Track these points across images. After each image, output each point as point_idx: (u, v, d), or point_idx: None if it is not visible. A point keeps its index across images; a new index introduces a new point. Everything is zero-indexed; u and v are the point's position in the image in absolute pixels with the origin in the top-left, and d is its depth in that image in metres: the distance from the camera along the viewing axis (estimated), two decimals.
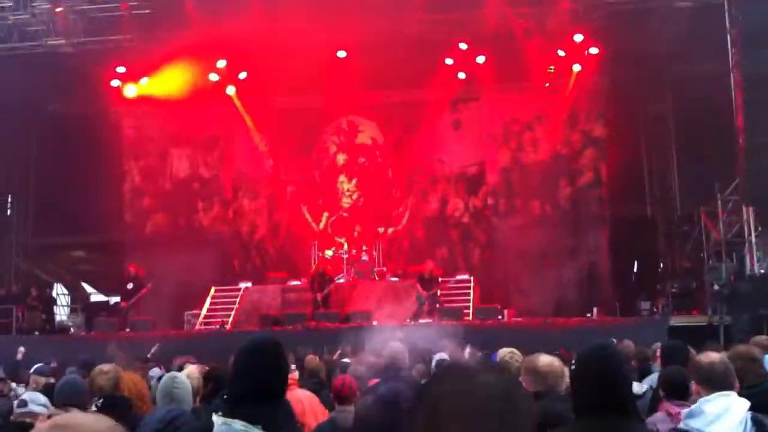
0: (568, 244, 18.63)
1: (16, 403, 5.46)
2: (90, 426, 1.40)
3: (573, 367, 3.19)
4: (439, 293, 16.61)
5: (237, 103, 19.94)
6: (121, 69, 19.21)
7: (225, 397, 3.50)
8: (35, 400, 5.42)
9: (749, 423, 3.77)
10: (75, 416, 1.47)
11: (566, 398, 3.66)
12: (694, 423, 3.80)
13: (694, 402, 3.89)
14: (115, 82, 19.39)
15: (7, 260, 20.08)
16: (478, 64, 18.69)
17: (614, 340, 8.76)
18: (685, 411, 3.93)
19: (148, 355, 9.90)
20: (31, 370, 8.09)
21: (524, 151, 19.77)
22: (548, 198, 19.37)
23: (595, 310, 16.05)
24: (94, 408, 5.07)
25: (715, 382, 3.95)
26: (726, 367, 4.05)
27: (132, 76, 19.45)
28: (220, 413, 3.27)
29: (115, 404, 5.00)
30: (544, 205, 19.34)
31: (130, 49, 18.56)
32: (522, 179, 19.62)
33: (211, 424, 3.16)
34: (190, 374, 5.99)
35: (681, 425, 3.84)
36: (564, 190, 19.40)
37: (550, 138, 19.58)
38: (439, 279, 16.83)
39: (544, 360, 4.35)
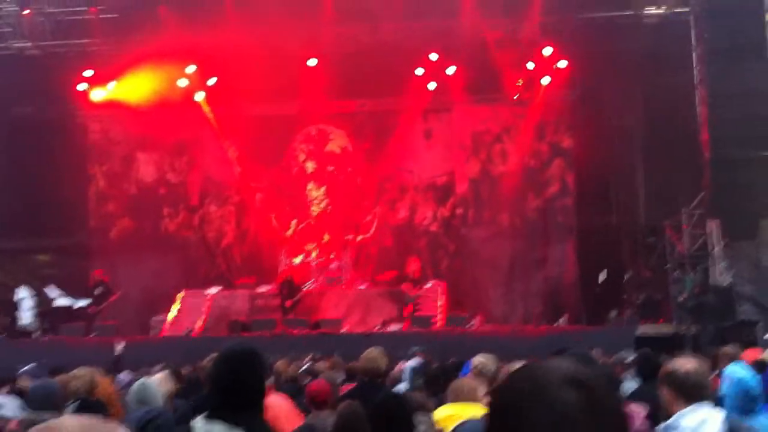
0: (536, 253, 18.79)
1: None
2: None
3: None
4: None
5: (206, 109, 19.79)
6: (88, 73, 18.97)
7: (204, 401, 3.50)
8: (7, 405, 5.35)
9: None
10: (73, 418, 1.40)
11: None
12: None
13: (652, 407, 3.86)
14: (81, 86, 19.13)
15: None
16: (450, 75, 18.80)
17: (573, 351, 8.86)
18: (661, 426, 3.90)
19: (116, 353, 9.78)
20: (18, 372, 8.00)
21: (493, 162, 19.91)
22: (516, 209, 19.50)
23: (562, 318, 16.22)
24: (68, 411, 5.03)
25: (691, 392, 3.87)
26: (702, 377, 3.97)
27: (99, 80, 19.20)
28: (202, 415, 3.28)
29: (90, 408, 4.96)
30: (513, 216, 19.46)
31: (98, 53, 18.39)
32: (491, 190, 19.74)
33: (188, 427, 3.17)
34: (160, 380, 5.97)
35: None
36: (532, 201, 19.57)
37: (519, 150, 19.73)
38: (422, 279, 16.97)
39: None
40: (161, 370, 7.26)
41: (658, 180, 17.82)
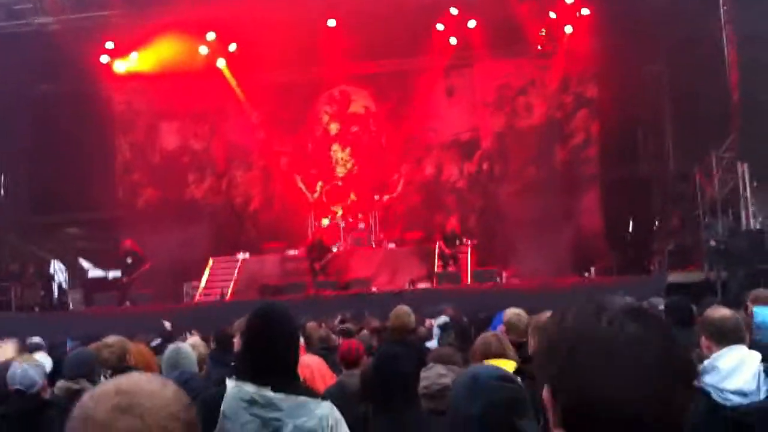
0: (563, 205, 18.65)
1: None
2: (157, 392, 1.34)
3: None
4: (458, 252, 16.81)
5: (227, 75, 19.81)
6: (109, 45, 19.06)
7: (236, 363, 3.53)
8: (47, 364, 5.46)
9: (762, 376, 3.74)
10: (139, 380, 1.37)
11: None
12: (708, 379, 3.73)
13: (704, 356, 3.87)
14: (104, 58, 19.25)
15: (3, 238, 20.05)
16: (470, 29, 18.58)
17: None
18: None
19: (167, 329, 9.86)
20: (37, 342, 8.14)
21: (518, 116, 19.76)
22: (543, 162, 19.37)
23: (592, 269, 16.14)
24: (102, 379, 5.10)
25: (727, 336, 3.91)
26: (737, 321, 4.01)
27: (121, 52, 19.33)
28: (235, 376, 3.31)
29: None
30: (539, 168, 19.35)
31: (119, 24, 18.38)
32: (516, 144, 19.62)
33: (223, 387, 3.20)
34: (194, 344, 6.04)
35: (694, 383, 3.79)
36: (558, 153, 19.42)
37: (543, 102, 19.57)
38: (461, 237, 16.99)
39: None
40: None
41: (686, 126, 17.55)
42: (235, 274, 17.97)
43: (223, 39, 19.20)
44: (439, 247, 17.04)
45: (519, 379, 2.95)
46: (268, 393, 3.13)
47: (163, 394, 1.33)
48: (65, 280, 17.89)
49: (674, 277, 14.30)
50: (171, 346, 5.06)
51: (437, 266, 17.03)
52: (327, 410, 3.19)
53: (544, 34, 18.71)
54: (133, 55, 19.33)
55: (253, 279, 17.81)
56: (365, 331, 8.31)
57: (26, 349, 8.16)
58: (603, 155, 18.88)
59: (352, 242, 18.45)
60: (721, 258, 14.23)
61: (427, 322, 9.00)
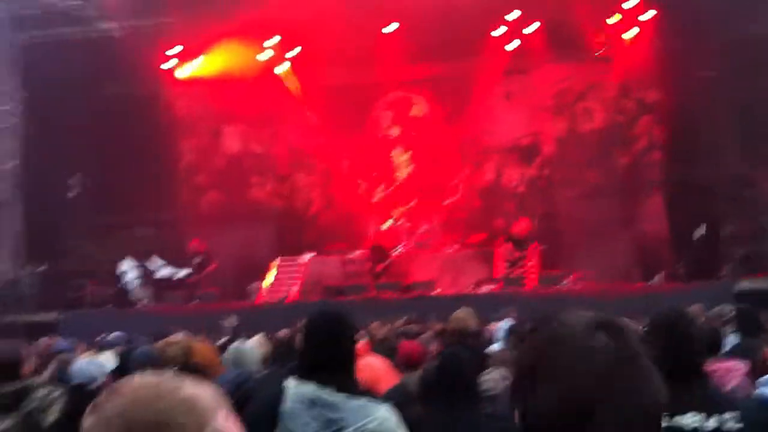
0: (626, 211, 18.37)
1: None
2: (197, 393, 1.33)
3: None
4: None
5: (287, 80, 20.03)
6: (172, 51, 19.46)
7: (297, 363, 3.54)
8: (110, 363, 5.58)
9: None
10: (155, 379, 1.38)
11: None
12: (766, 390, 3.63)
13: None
14: (166, 64, 19.65)
15: (76, 238, 20.64)
16: (529, 34, 18.45)
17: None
18: (762, 379, 3.78)
19: (229, 326, 9.99)
20: (103, 341, 8.34)
21: (578, 120, 19.54)
22: (604, 167, 19.10)
23: (657, 276, 15.81)
24: None
25: None
26: None
27: (183, 57, 19.71)
28: (294, 376, 3.31)
29: (188, 373, 5.10)
30: (600, 174, 19.08)
31: (181, 30, 18.73)
32: (577, 149, 19.39)
33: (281, 389, 3.21)
34: (256, 344, 6.11)
35: (756, 392, 3.69)
36: (620, 157, 19.12)
37: (604, 107, 19.33)
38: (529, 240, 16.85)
39: None
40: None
41: (752, 129, 17.10)
42: (300, 275, 18.11)
43: (283, 43, 19.42)
44: (506, 250, 16.90)
45: None
46: (329, 394, 3.14)
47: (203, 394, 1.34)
48: (135, 279, 18.32)
49: (745, 285, 13.92)
50: (232, 346, 5.11)
51: (502, 269, 16.90)
52: (387, 413, 3.19)
53: (604, 39, 18.45)
54: (195, 60, 19.69)
55: (317, 280, 17.94)
56: (427, 334, 8.29)
57: (106, 346, 8.40)
58: (667, 160, 18.52)
59: (412, 246, 18.43)
60: None
61: (491, 325, 8.94)
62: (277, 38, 19.29)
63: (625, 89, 19.11)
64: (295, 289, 17.64)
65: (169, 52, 19.49)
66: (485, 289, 16.22)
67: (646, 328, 3.24)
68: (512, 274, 16.50)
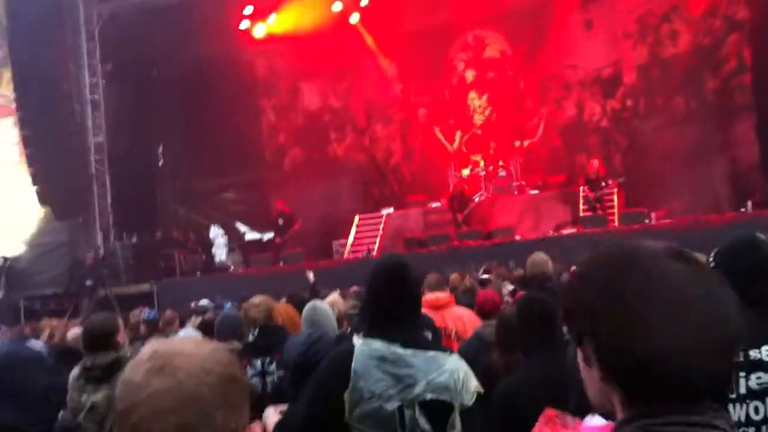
0: (715, 137, 17.61)
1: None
2: (191, 351, 1.42)
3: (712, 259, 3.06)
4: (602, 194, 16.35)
5: (361, 30, 19.97)
6: (248, 10, 19.64)
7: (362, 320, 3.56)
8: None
9: None
10: (176, 343, 1.47)
11: None
12: None
13: None
14: (243, 24, 19.85)
15: (164, 207, 21.24)
16: None
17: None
18: None
19: (310, 281, 10.12)
20: (192, 307, 8.64)
21: (662, 45, 18.74)
22: (692, 92, 18.32)
23: (749, 203, 15.23)
24: (250, 338, 5.35)
25: None
26: None
27: (259, 16, 19.87)
28: (362, 333, 3.33)
29: (269, 333, 5.24)
30: (688, 100, 18.32)
31: None
32: (662, 76, 18.65)
33: (351, 346, 3.21)
34: (333, 302, 6.19)
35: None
36: (707, 81, 18.28)
37: (690, 28, 18.42)
38: (605, 178, 16.50)
39: None
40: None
41: None
42: (381, 230, 18.23)
43: None
44: (583, 191, 16.58)
45: None
46: (398, 349, 3.13)
47: (197, 353, 1.41)
48: (224, 244, 18.77)
49: None
50: (308, 305, 5.21)
51: (582, 210, 16.59)
52: (456, 364, 3.17)
53: None
54: (271, 17, 19.85)
55: (398, 233, 18.01)
56: (506, 282, 8.24)
57: (194, 312, 8.70)
58: (757, 82, 17.60)
59: (494, 191, 18.27)
60: None
61: (573, 269, 8.82)
62: None
63: (712, 6, 18.14)
64: (376, 244, 17.76)
65: (245, 12, 19.69)
66: (567, 231, 15.99)
67: (712, 258, 3.08)
68: (593, 214, 16.15)
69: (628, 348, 1.20)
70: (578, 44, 19.32)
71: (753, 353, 2.80)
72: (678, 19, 18.56)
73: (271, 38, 20.22)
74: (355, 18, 19.78)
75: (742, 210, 15.16)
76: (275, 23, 19.99)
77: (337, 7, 19.56)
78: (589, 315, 1.25)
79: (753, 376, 2.80)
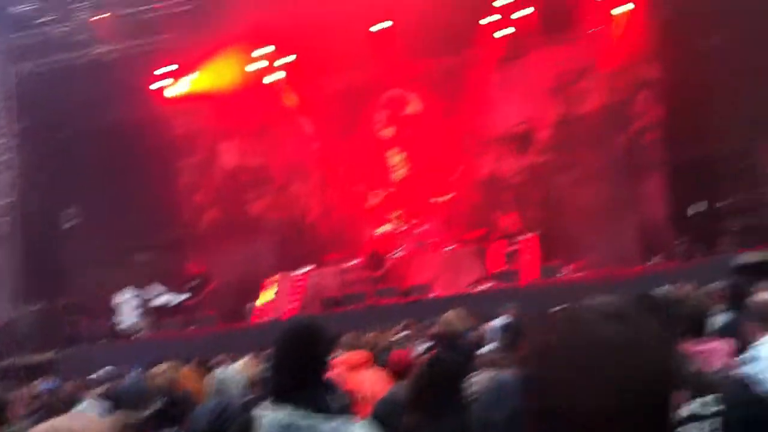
0: (627, 193, 18.12)
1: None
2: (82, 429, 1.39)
3: None
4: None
5: (281, 89, 20.04)
6: (165, 69, 19.50)
7: (269, 385, 3.48)
8: (87, 409, 5.52)
9: None
10: (74, 421, 1.47)
11: None
12: (748, 370, 3.47)
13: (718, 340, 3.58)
14: (160, 83, 19.66)
15: (73, 271, 20.58)
16: (520, 18, 18.39)
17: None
18: (742, 357, 3.68)
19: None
20: (94, 377, 8.30)
21: (575, 103, 19.32)
22: (603, 149, 18.86)
23: (656, 257, 15.67)
24: (156, 406, 5.16)
25: None
26: None
27: (176, 75, 19.76)
28: (269, 400, 3.27)
29: (175, 402, 5.07)
30: (599, 156, 18.84)
31: (172, 48, 18.77)
32: (574, 132, 19.17)
33: (256, 415, 3.16)
34: (241, 367, 6.06)
35: (736, 371, 3.59)
36: (618, 138, 18.87)
37: (601, 86, 19.06)
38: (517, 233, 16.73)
39: None
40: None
41: (750, 101, 16.88)
42: (300, 290, 18.04)
43: (276, 53, 19.47)
44: (501, 245, 16.79)
45: None
46: (303, 417, 3.08)
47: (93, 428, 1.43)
48: (135, 307, 18.25)
49: (744, 258, 13.79)
50: (217, 371, 5.06)
51: (500, 265, 16.76)
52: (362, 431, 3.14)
53: (597, 16, 18.32)
54: (189, 77, 19.76)
55: (316, 292, 17.83)
56: (422, 339, 8.20)
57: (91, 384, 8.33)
58: (667, 138, 18.19)
59: (413, 247, 18.32)
60: None
61: (489, 324, 8.85)
62: (269, 48, 19.29)
63: (622, 66, 18.76)
64: (294, 305, 17.54)
65: (161, 72, 19.57)
66: (483, 287, 16.11)
67: None
68: (506, 269, 16.34)
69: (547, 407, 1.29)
70: (495, 103, 19.73)
71: None
72: (590, 78, 19.20)
73: (188, 98, 20.08)
74: (272, 77, 19.84)
75: (650, 263, 15.59)
76: (192, 83, 19.89)
77: (256, 67, 19.58)
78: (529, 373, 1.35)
79: None
